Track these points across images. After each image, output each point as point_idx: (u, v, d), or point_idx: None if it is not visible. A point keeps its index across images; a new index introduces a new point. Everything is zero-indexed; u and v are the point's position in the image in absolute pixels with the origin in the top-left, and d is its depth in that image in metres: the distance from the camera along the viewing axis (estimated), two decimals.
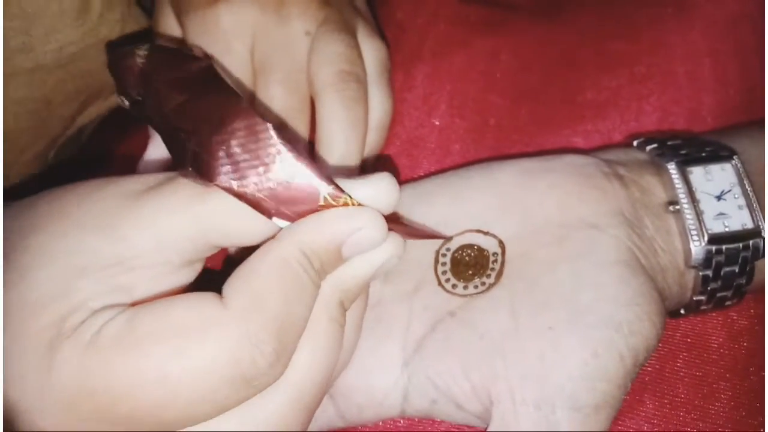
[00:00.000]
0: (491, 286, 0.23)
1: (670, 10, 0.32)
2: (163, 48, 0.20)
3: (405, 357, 0.22)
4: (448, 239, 0.24)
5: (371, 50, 0.29)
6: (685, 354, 0.24)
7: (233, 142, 0.18)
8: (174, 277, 0.19)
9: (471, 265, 0.23)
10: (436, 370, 0.22)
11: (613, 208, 0.23)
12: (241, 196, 0.18)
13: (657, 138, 0.25)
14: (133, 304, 0.18)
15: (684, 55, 0.30)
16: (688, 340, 0.24)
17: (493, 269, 0.23)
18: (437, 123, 0.31)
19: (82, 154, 0.34)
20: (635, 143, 0.26)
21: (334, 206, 0.18)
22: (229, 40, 0.27)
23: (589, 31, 0.32)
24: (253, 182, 0.18)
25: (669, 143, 0.24)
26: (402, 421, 0.24)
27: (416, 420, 0.24)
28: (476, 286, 0.23)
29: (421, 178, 0.28)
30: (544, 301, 0.21)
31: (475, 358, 0.21)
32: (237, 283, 0.18)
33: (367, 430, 0.24)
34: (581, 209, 0.23)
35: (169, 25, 0.29)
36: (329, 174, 0.18)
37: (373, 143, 0.29)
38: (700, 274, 0.22)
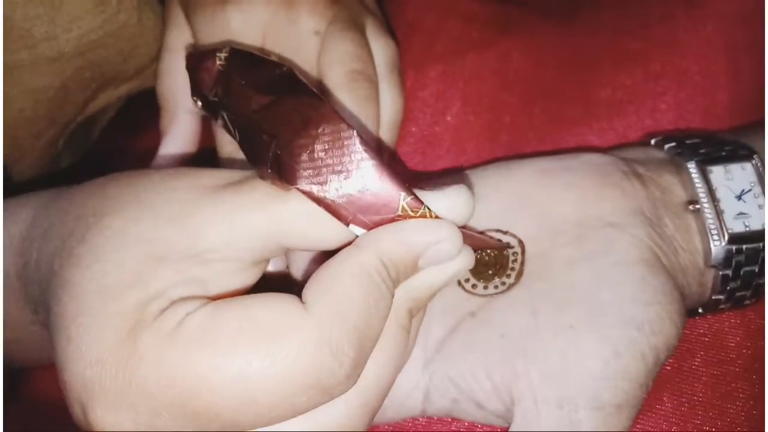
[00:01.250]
0: (511, 285, 0.23)
1: (683, 7, 0.32)
2: (244, 51, 0.20)
3: (426, 357, 0.22)
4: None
5: (381, 48, 0.29)
6: (702, 353, 0.24)
7: (317, 147, 0.18)
8: (244, 275, 0.19)
9: (491, 265, 0.23)
10: (457, 370, 0.22)
11: (632, 206, 0.23)
12: (320, 201, 0.18)
13: (675, 137, 0.25)
14: (209, 298, 0.18)
15: (698, 52, 0.30)
16: (706, 339, 0.24)
17: (513, 269, 0.23)
18: (451, 120, 0.31)
19: (94, 151, 0.34)
20: (653, 142, 0.26)
21: (411, 217, 0.18)
22: (239, 40, 0.26)
23: (603, 29, 0.32)
24: (334, 188, 0.18)
25: (688, 142, 0.24)
26: (422, 420, 0.24)
27: (435, 419, 0.24)
28: (496, 286, 0.23)
29: (436, 175, 0.28)
30: (564, 300, 0.21)
31: (496, 358, 0.21)
32: (318, 288, 0.18)
33: (383, 429, 0.24)
34: (600, 208, 0.23)
35: (179, 25, 0.29)
36: (408, 184, 0.18)
37: (385, 142, 0.29)
38: (720, 273, 0.22)
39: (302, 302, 0.18)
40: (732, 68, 0.30)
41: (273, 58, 0.25)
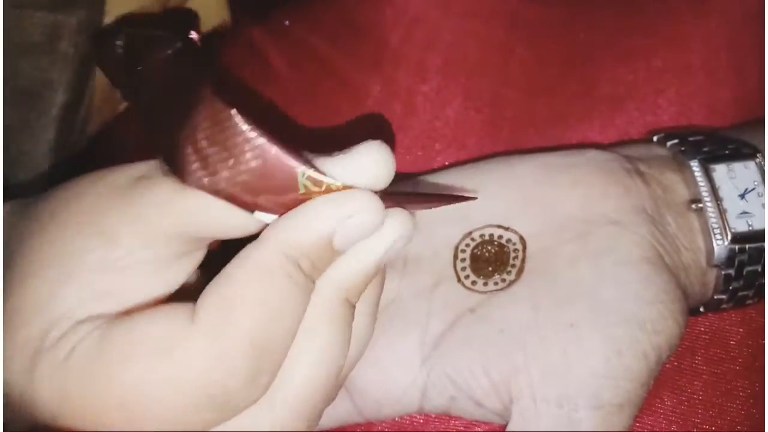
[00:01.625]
0: (512, 282, 0.22)
1: (687, 3, 0.31)
2: (138, 32, 0.19)
3: (423, 353, 0.22)
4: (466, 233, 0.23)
5: None
6: (703, 351, 0.24)
7: (199, 136, 0.16)
8: (169, 272, 0.18)
9: (491, 262, 0.23)
10: (455, 367, 0.22)
11: (635, 205, 0.23)
12: (216, 193, 0.16)
13: (678, 134, 0.25)
14: (124, 312, 0.17)
15: (701, 48, 0.30)
16: (706, 337, 0.24)
17: (513, 266, 0.23)
18: (451, 115, 0.30)
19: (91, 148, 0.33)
20: (655, 139, 0.26)
21: (317, 193, 0.16)
22: None
23: (605, 25, 0.32)
24: (224, 177, 0.16)
25: (690, 139, 0.24)
26: (419, 418, 0.24)
27: (432, 416, 0.24)
28: (496, 283, 0.23)
29: (437, 170, 0.28)
30: (565, 297, 0.21)
31: (495, 354, 0.21)
32: (210, 293, 0.16)
33: (379, 428, 0.24)
34: (604, 206, 0.23)
35: None
36: (307, 156, 0.16)
37: None
38: (723, 273, 0.22)
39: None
40: (736, 65, 0.29)
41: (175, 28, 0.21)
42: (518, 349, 0.21)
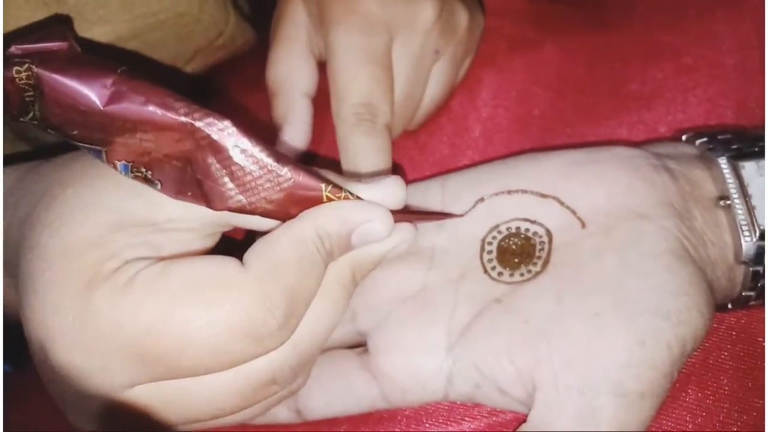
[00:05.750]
0: (537, 274, 0.23)
1: (720, 1, 0.31)
2: (57, 59, 0.19)
3: (450, 342, 0.23)
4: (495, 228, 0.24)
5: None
6: (729, 347, 0.24)
7: (233, 167, 0.19)
8: (198, 243, 0.21)
9: (517, 254, 0.23)
10: (480, 355, 0.22)
11: (662, 199, 0.23)
12: (252, 212, 0.20)
13: (707, 132, 0.25)
14: (161, 260, 0.20)
15: (732, 47, 0.30)
16: (733, 333, 0.24)
17: (539, 257, 0.23)
18: (480, 112, 0.31)
19: None
20: (684, 138, 0.26)
21: (339, 199, 0.20)
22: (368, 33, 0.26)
23: (635, 22, 0.32)
24: (260, 197, 0.20)
25: (719, 137, 0.24)
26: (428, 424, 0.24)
27: (451, 417, 0.24)
28: (522, 274, 0.23)
29: (465, 167, 0.28)
30: (590, 288, 0.22)
31: (520, 342, 0.22)
32: (257, 252, 0.20)
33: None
34: (629, 199, 0.23)
35: (294, 12, 0.29)
36: (323, 174, 0.20)
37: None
38: (751, 269, 0.22)
39: (243, 263, 0.20)
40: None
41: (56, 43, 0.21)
42: (542, 338, 0.21)
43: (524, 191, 0.25)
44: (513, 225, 0.24)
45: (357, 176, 0.24)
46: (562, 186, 0.24)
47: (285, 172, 0.19)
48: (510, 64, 0.31)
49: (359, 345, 0.25)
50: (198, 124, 0.19)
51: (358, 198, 0.20)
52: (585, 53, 0.31)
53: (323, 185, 0.20)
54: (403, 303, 0.24)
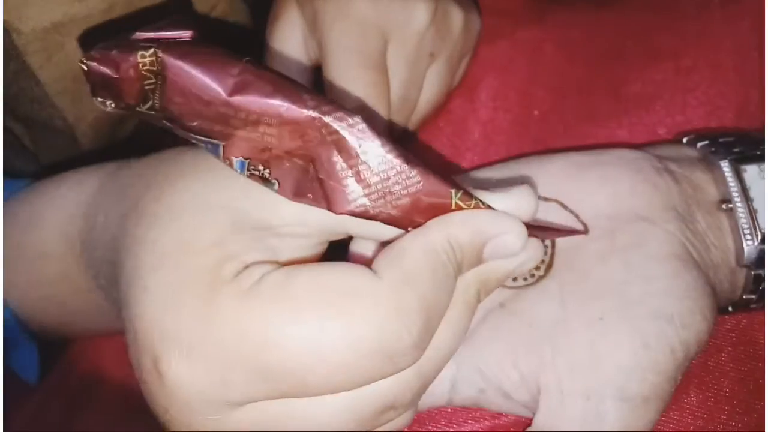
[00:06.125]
0: (540, 278, 0.23)
1: (718, 2, 0.31)
2: (180, 43, 0.18)
3: None
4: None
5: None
6: (730, 349, 0.24)
7: (361, 168, 0.18)
8: (311, 250, 0.20)
9: None
10: (484, 360, 0.22)
11: (665, 202, 0.23)
12: (375, 218, 0.18)
13: (708, 135, 0.25)
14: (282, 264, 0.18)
15: (732, 48, 0.30)
16: (734, 335, 0.24)
17: (543, 261, 0.23)
18: (480, 113, 0.31)
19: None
20: (685, 140, 0.26)
21: (469, 208, 0.18)
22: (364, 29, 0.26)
23: (635, 23, 0.32)
24: (387, 202, 0.18)
25: (721, 140, 0.24)
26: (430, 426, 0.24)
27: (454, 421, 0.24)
28: (525, 278, 0.23)
29: (466, 169, 0.28)
30: (594, 292, 0.22)
31: (524, 347, 0.22)
32: (389, 258, 0.18)
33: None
34: (633, 202, 0.23)
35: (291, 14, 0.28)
36: (455, 181, 0.19)
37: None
38: (752, 273, 0.22)
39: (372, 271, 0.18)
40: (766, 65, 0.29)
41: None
42: (547, 344, 0.21)
43: None
44: None
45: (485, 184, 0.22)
46: (565, 189, 0.24)
47: (414, 174, 0.18)
48: (510, 64, 0.31)
49: None
50: (326, 118, 0.17)
51: (490, 207, 0.19)
52: (585, 54, 0.31)
53: (453, 191, 0.18)
54: None
